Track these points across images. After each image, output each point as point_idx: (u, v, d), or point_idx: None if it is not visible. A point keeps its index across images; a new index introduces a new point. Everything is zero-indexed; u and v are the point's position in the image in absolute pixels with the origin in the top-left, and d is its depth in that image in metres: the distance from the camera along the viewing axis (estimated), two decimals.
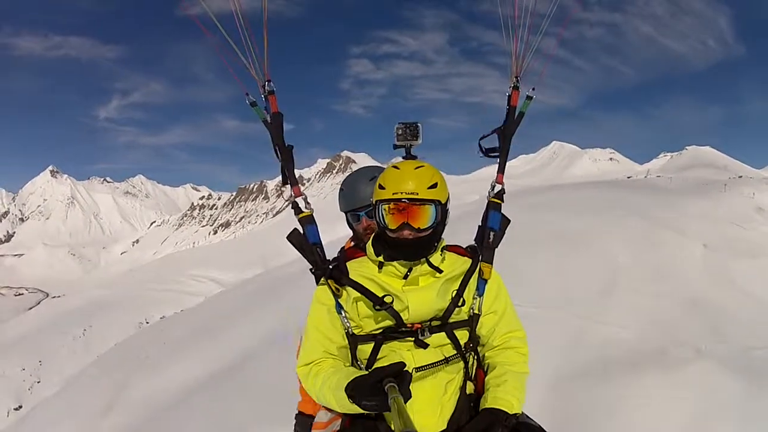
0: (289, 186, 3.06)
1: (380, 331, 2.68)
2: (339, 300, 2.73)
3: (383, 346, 2.68)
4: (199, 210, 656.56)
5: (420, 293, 2.65)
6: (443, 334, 2.69)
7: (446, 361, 2.67)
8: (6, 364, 58.94)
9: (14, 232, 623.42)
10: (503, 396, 2.59)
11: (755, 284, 10.81)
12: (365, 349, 2.72)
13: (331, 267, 2.80)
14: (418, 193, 2.61)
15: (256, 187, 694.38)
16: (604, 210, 16.27)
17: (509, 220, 3.07)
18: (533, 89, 3.18)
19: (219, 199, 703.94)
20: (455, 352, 2.71)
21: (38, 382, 55.50)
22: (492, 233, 2.99)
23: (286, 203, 3.02)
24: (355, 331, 2.73)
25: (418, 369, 2.61)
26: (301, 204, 3.04)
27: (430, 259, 2.70)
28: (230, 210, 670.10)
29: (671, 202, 17.25)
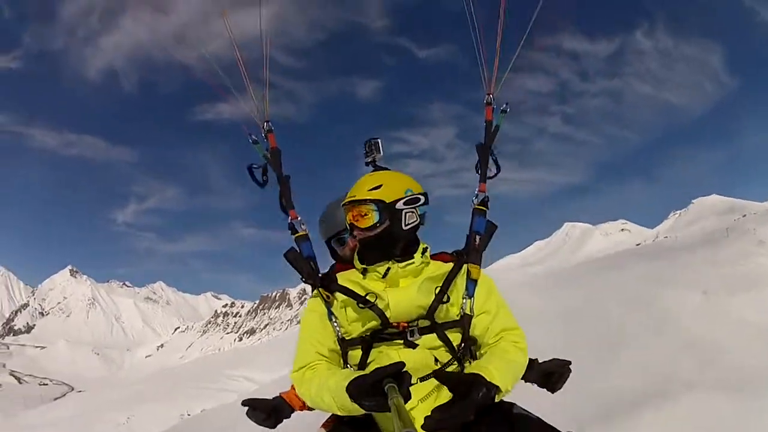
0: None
1: (368, 333, 2.73)
2: (330, 307, 2.83)
3: (373, 349, 2.73)
4: (223, 317, 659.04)
5: (400, 291, 2.73)
6: (434, 335, 2.71)
7: (438, 363, 2.68)
8: None
9: (34, 325, 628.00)
10: (484, 365, 2.52)
11: (749, 313, 11.41)
12: (355, 354, 2.77)
13: (321, 276, 2.96)
14: (355, 195, 2.82)
15: (278, 295, 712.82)
16: (608, 281, 17.40)
17: (496, 226, 3.14)
18: (506, 104, 3.41)
19: (242, 307, 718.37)
20: (450, 356, 2.71)
21: None
22: (478, 237, 3.05)
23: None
24: (345, 337, 2.79)
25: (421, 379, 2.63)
26: (297, 226, 3.18)
27: (406, 260, 2.80)
28: (254, 318, 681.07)
29: (674, 258, 18.22)
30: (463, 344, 2.77)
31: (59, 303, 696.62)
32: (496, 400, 2.45)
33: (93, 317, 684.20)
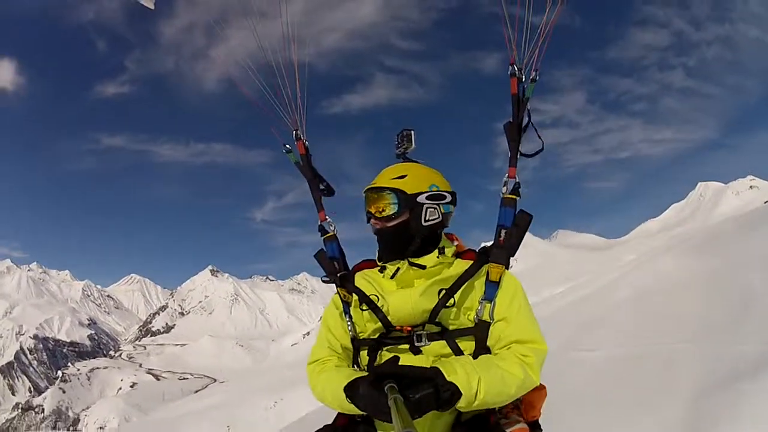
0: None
1: (376, 336, 2.65)
2: (348, 306, 2.78)
3: (380, 352, 2.64)
4: None
5: (401, 294, 2.58)
6: (443, 342, 2.54)
7: None
8: (192, 430, 61.10)
9: (174, 325, 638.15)
10: (452, 361, 2.34)
11: None
12: (365, 356, 2.71)
13: (340, 275, 2.88)
14: (376, 183, 2.74)
15: None
16: (743, 243, 16.83)
17: (530, 216, 2.72)
18: (536, 71, 2.88)
19: None
20: None
21: None
22: (504, 231, 2.72)
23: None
24: (359, 336, 2.74)
25: None
26: (327, 227, 3.15)
27: (420, 260, 2.67)
28: None
29: None
30: (475, 354, 2.55)
31: (200, 302, 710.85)
32: (459, 406, 2.25)
33: (236, 312, 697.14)
